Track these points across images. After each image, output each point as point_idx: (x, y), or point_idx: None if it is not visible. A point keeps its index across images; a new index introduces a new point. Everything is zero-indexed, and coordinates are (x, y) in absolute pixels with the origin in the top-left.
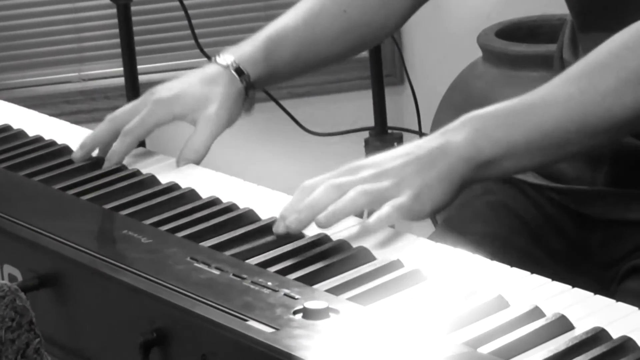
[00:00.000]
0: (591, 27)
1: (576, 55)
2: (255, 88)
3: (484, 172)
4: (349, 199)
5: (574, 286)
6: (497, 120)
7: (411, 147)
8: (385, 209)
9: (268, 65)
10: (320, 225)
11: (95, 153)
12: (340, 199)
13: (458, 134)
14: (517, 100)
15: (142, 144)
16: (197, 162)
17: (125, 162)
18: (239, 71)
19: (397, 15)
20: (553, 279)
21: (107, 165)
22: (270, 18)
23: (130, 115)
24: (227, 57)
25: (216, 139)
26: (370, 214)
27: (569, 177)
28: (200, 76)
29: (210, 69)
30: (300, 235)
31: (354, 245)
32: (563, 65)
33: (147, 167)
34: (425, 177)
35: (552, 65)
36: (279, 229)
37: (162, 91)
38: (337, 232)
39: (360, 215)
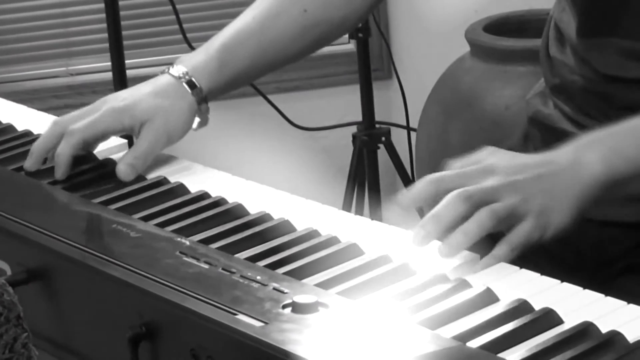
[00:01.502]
0: (588, 32)
1: (564, 52)
2: (209, 99)
3: (616, 191)
4: (475, 224)
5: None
6: (631, 139)
7: (543, 160)
8: (503, 249)
9: (223, 76)
10: (443, 256)
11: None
12: (466, 225)
13: (591, 152)
14: None
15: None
16: (137, 172)
17: (113, 157)
18: (191, 84)
19: (358, 11)
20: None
21: (58, 173)
22: None
23: (78, 119)
24: (179, 68)
25: (158, 151)
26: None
27: None
28: (152, 88)
29: (162, 80)
30: (290, 229)
31: (343, 240)
32: (551, 62)
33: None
34: (555, 199)
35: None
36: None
37: (115, 101)
38: (327, 227)
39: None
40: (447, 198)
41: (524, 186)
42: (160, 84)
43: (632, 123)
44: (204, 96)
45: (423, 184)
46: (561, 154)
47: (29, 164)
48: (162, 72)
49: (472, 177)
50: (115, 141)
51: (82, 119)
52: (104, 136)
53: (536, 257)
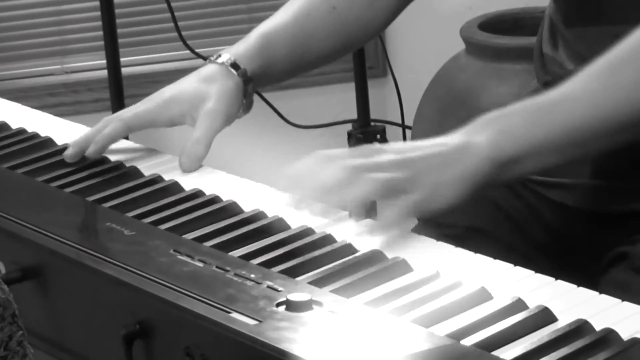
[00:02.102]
0: (576, 21)
1: (556, 48)
2: (253, 84)
3: (506, 171)
4: (361, 187)
5: (557, 278)
6: (519, 119)
7: (433, 142)
8: (396, 210)
9: (263, 62)
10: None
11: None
12: (351, 187)
13: (480, 134)
14: (539, 98)
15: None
16: (201, 158)
17: (108, 154)
18: (235, 66)
19: (385, 12)
20: (536, 271)
21: (92, 149)
22: (252, 11)
23: (127, 111)
24: (222, 56)
25: (217, 133)
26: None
27: (553, 171)
28: (196, 76)
29: (206, 69)
30: (284, 227)
31: (338, 237)
32: (543, 59)
33: (130, 160)
34: (444, 174)
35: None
36: (282, 186)
37: (161, 94)
38: (321, 223)
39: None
40: (332, 167)
41: (412, 164)
42: (205, 71)
43: (522, 104)
44: (248, 77)
45: (311, 160)
46: (453, 137)
47: (70, 153)
48: (204, 64)
49: (362, 154)
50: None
51: (130, 111)
52: (150, 126)
53: (527, 251)
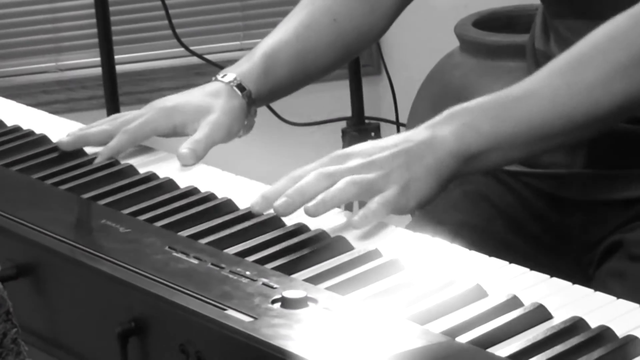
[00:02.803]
0: (563, 14)
1: (548, 44)
2: (256, 105)
3: (471, 165)
4: (339, 189)
5: (553, 270)
6: (484, 114)
7: (398, 139)
8: (373, 206)
9: (268, 81)
10: (309, 214)
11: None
12: (330, 189)
13: (445, 128)
14: (504, 93)
15: None
16: (199, 156)
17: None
18: (240, 87)
19: (384, 19)
20: (532, 265)
21: (98, 160)
22: (246, 8)
23: (131, 120)
24: (228, 76)
25: (215, 144)
26: (360, 204)
27: (545, 162)
28: (202, 90)
29: (211, 86)
30: (279, 225)
31: (333, 234)
32: (536, 55)
33: (125, 158)
34: (413, 171)
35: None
36: (256, 207)
37: (164, 102)
38: (316, 220)
39: (348, 206)
40: (311, 175)
41: (382, 163)
42: (210, 87)
43: (487, 98)
44: (252, 99)
45: (285, 180)
46: (417, 131)
47: (66, 141)
48: (210, 81)
49: (331, 163)
50: None
51: (134, 121)
52: (154, 134)
53: (522, 246)
